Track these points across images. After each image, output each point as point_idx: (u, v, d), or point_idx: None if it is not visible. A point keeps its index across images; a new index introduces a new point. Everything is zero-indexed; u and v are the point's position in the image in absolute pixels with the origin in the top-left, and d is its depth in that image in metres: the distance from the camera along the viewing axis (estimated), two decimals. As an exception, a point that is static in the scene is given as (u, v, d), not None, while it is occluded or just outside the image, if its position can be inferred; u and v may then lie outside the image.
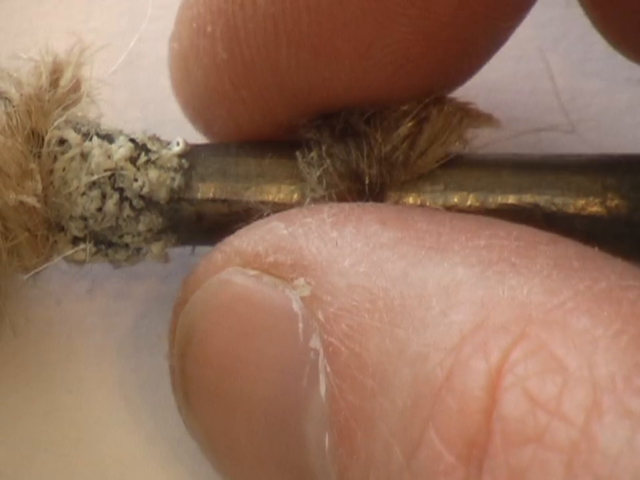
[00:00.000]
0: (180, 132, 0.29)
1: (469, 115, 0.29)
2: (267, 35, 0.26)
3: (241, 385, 0.25)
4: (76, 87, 0.27)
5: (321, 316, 0.23)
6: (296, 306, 0.23)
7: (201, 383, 0.26)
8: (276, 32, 0.26)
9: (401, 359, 0.21)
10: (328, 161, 0.28)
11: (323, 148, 0.28)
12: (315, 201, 0.27)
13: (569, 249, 0.22)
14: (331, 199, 0.27)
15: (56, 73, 0.27)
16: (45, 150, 0.26)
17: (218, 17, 0.27)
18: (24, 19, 0.32)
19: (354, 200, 0.27)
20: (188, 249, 0.31)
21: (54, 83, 0.27)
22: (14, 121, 0.26)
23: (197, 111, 0.29)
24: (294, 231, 0.24)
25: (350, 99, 0.28)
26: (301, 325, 0.23)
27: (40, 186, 0.26)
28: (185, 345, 0.26)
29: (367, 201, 0.27)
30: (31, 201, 0.26)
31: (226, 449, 0.26)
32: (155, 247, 0.28)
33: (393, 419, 0.21)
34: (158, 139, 0.28)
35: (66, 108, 0.27)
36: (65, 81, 0.27)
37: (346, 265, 0.23)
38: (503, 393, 0.20)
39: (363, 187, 0.28)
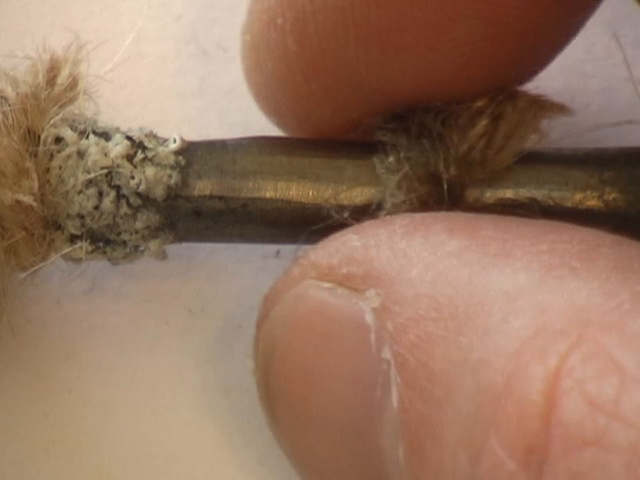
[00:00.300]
0: (180, 132, 0.29)
1: (543, 108, 0.28)
2: (335, 27, 0.26)
3: (319, 399, 0.25)
4: (73, 84, 0.27)
5: (390, 326, 0.23)
6: (368, 317, 0.24)
7: (284, 397, 0.26)
8: (344, 25, 0.26)
9: (464, 366, 0.21)
10: (407, 165, 0.27)
11: (401, 153, 0.28)
12: (395, 207, 0.27)
13: (632, 250, 0.22)
14: (411, 204, 0.27)
15: (53, 70, 0.27)
16: (41, 148, 0.26)
17: (288, 9, 0.27)
18: (24, 18, 0.32)
19: (433, 202, 0.27)
20: (188, 247, 0.31)
21: (51, 81, 0.27)
22: (10, 120, 0.26)
23: (269, 103, 0.30)
24: (366, 242, 0.24)
25: (419, 94, 0.28)
26: (373, 337, 0.24)
27: (36, 184, 0.26)
28: (267, 360, 0.26)
29: (445, 202, 0.27)
30: (27, 199, 0.26)
31: (310, 462, 0.26)
32: (153, 245, 0.28)
33: (458, 427, 0.21)
34: (155, 136, 0.28)
35: (63, 106, 0.27)
36: (62, 79, 0.27)
37: (413, 275, 0.23)
38: (561, 397, 0.20)
39: (441, 189, 0.27)
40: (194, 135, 0.29)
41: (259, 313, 0.27)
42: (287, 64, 0.28)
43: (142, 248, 0.28)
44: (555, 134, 0.29)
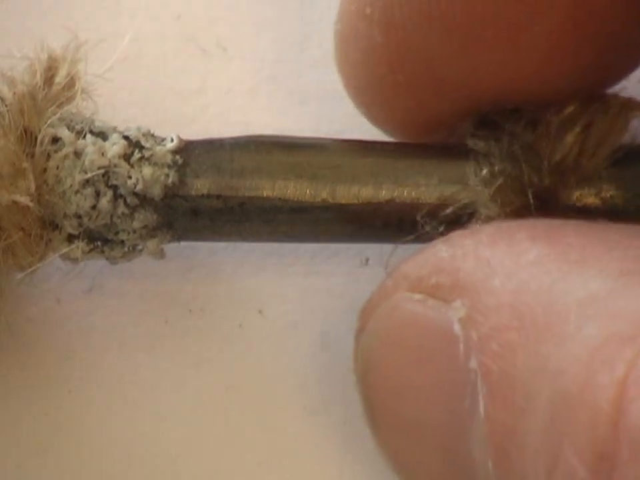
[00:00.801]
0: (180, 132, 0.29)
1: (634, 110, 0.28)
2: (420, 19, 0.26)
3: (413, 409, 0.25)
4: (71, 84, 0.27)
5: (475, 336, 0.23)
6: (456, 328, 0.24)
7: (381, 407, 0.26)
8: (429, 17, 0.26)
9: (543, 375, 0.22)
10: (501, 178, 0.27)
11: (496, 166, 0.27)
12: (489, 218, 0.27)
13: None
14: (506, 216, 0.27)
15: (51, 70, 0.27)
16: (38, 149, 0.26)
17: None
18: (24, 18, 0.32)
19: (526, 210, 0.27)
20: (187, 247, 0.31)
21: (49, 80, 0.27)
22: (6, 121, 0.26)
23: (357, 93, 0.29)
24: (453, 252, 0.25)
25: (502, 92, 0.27)
26: (461, 347, 0.24)
27: (33, 185, 0.26)
28: (365, 372, 0.26)
29: (537, 210, 0.27)
30: (24, 200, 0.26)
31: (406, 468, 0.26)
32: (151, 244, 0.28)
33: (537, 437, 0.22)
34: (152, 135, 0.28)
35: (61, 105, 0.27)
36: (60, 79, 0.27)
37: (496, 284, 0.23)
38: (628, 404, 0.20)
39: (534, 199, 0.27)
40: (194, 135, 0.29)
41: (357, 326, 0.27)
42: (373, 54, 0.28)
43: (140, 247, 0.28)
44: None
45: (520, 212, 0.27)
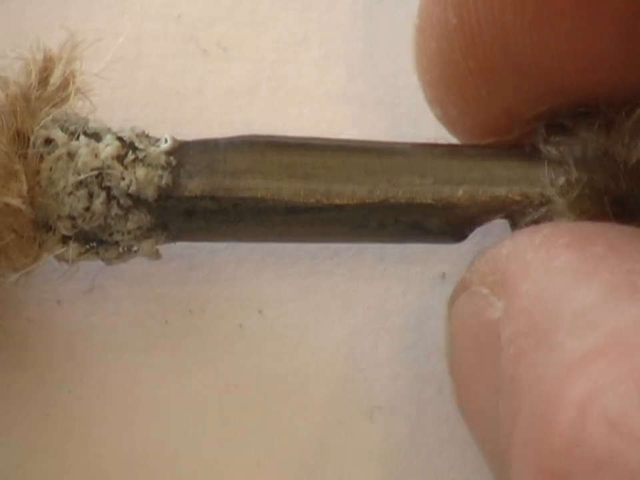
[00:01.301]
0: (180, 132, 0.29)
1: None
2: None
3: (471, 400, 0.26)
4: (66, 84, 0.27)
5: (501, 338, 0.24)
6: (498, 327, 0.24)
7: (456, 379, 0.27)
8: None
9: (534, 381, 0.22)
10: (578, 187, 0.27)
11: (572, 175, 0.27)
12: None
13: None
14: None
15: (46, 70, 0.27)
16: (30, 150, 0.26)
17: None
18: (23, 19, 0.32)
19: (605, 217, 0.27)
20: (187, 248, 0.31)
21: (43, 80, 0.27)
22: (-1, 122, 0.26)
23: (432, 88, 0.29)
24: (508, 251, 0.25)
25: (576, 83, 0.27)
26: (498, 346, 0.24)
27: (25, 187, 0.26)
28: (448, 353, 0.27)
29: (616, 217, 0.27)
30: (15, 202, 0.26)
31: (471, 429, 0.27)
32: (146, 245, 0.28)
33: (518, 448, 0.22)
34: (147, 136, 0.28)
35: (55, 105, 0.27)
36: (55, 79, 0.27)
37: (524, 289, 0.24)
38: (588, 420, 0.20)
39: (612, 206, 0.27)
40: (194, 135, 0.29)
41: (447, 312, 0.28)
42: (447, 40, 0.28)
43: (135, 248, 0.28)
44: None
45: (597, 218, 0.27)
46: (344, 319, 0.32)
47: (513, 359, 0.23)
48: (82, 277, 0.31)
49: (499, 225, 0.29)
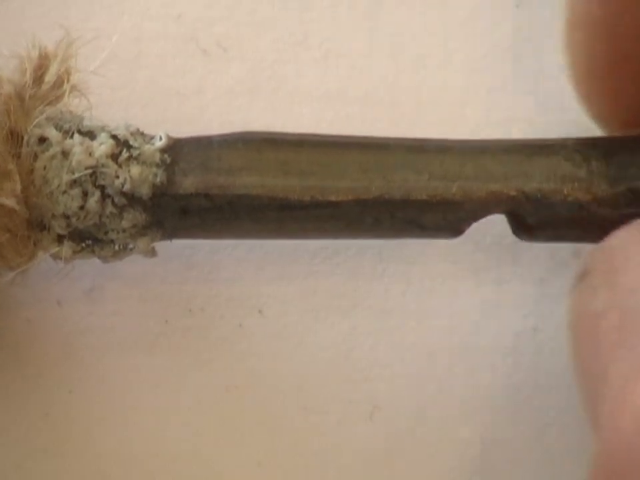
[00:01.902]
0: (180, 132, 0.29)
1: None
2: None
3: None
4: (60, 82, 0.27)
5: (600, 332, 0.24)
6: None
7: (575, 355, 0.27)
8: None
9: (615, 380, 0.22)
10: None
11: None
12: None
13: None
14: None
15: (41, 68, 0.27)
16: (24, 149, 0.26)
17: None
18: (23, 19, 0.32)
19: None
20: (187, 247, 0.31)
21: (38, 79, 0.27)
22: (-9, 122, 0.26)
23: (579, 81, 0.29)
24: (615, 244, 0.25)
25: None
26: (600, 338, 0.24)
27: (19, 186, 0.26)
28: (568, 338, 0.27)
29: None
30: (9, 202, 0.26)
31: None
32: (142, 242, 0.28)
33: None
34: (141, 134, 0.28)
35: (50, 104, 0.27)
36: (50, 77, 0.27)
37: (621, 283, 0.24)
38: None
39: None
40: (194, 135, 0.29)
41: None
42: (592, 31, 0.27)
43: (131, 246, 0.28)
44: None
45: None
46: (344, 319, 0.32)
47: (605, 354, 0.23)
48: (81, 277, 0.31)
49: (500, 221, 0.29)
